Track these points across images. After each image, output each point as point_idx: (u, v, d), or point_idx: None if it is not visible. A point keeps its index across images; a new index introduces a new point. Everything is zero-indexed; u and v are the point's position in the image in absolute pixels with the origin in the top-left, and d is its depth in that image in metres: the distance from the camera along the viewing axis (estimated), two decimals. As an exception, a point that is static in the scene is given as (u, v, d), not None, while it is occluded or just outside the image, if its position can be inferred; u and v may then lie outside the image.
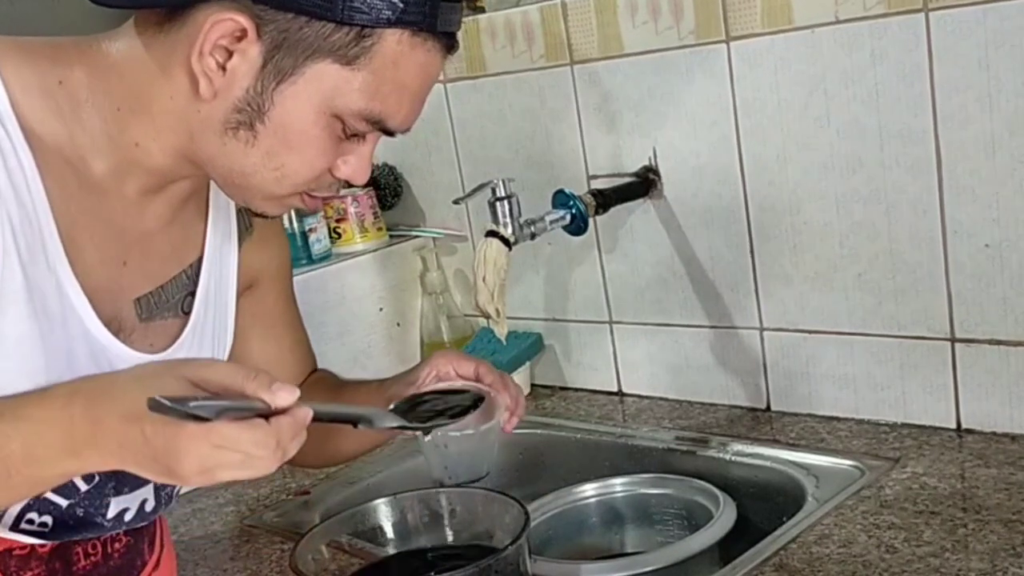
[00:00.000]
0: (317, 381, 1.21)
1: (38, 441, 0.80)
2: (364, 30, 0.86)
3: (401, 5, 0.85)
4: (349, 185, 0.98)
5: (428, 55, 0.89)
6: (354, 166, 0.94)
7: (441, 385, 1.10)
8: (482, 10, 1.70)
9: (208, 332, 1.04)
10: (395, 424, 1.00)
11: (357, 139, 0.92)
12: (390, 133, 0.93)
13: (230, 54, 0.86)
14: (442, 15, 0.88)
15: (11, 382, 0.85)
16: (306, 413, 0.82)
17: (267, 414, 0.80)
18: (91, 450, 0.80)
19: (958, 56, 1.26)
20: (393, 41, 0.87)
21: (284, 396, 0.80)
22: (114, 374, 0.86)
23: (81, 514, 0.94)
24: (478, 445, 1.08)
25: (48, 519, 0.93)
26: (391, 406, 1.05)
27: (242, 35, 0.85)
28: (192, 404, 0.76)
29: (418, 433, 1.08)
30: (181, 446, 0.77)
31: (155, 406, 0.75)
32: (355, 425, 0.96)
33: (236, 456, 0.78)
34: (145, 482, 1.02)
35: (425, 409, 1.05)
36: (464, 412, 1.04)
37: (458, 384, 1.11)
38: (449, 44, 0.91)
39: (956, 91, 1.27)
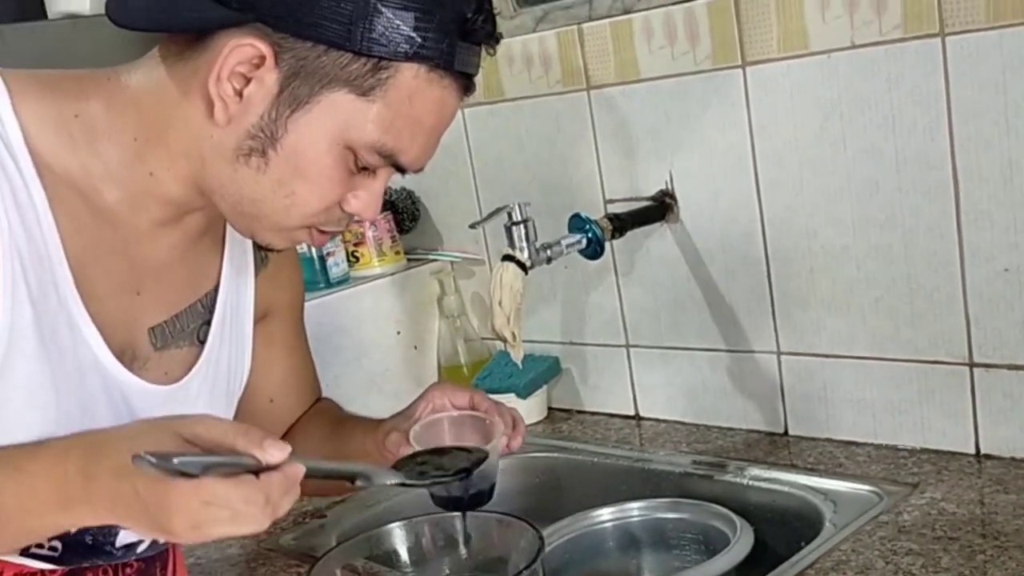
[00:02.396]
0: (319, 412, 1.21)
1: (31, 494, 0.81)
2: (381, 62, 0.86)
3: (419, 40, 0.86)
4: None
5: (443, 92, 0.90)
6: (364, 201, 0.93)
7: (444, 415, 1.10)
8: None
9: (223, 362, 1.05)
10: (394, 480, 0.98)
11: (369, 174, 0.92)
12: (402, 170, 0.93)
13: (247, 81, 0.87)
14: (460, 55, 0.89)
15: (22, 418, 0.86)
16: (297, 470, 0.81)
17: (257, 470, 0.79)
18: (83, 505, 0.81)
19: (975, 80, 1.25)
20: (409, 75, 0.87)
21: (275, 453, 0.80)
22: (108, 430, 0.86)
23: (90, 541, 0.95)
24: (480, 472, 1.05)
25: (57, 543, 0.93)
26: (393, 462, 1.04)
27: (260, 62, 0.86)
28: (177, 460, 0.76)
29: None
30: (171, 502, 0.77)
31: (139, 462, 0.75)
32: (352, 482, 0.94)
33: (225, 512, 0.78)
34: None
35: (425, 467, 1.03)
36: (466, 470, 1.02)
37: (454, 413, 1.10)
38: (466, 85, 0.92)
39: (973, 115, 1.27)
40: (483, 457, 1.04)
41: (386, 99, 0.87)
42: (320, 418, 1.20)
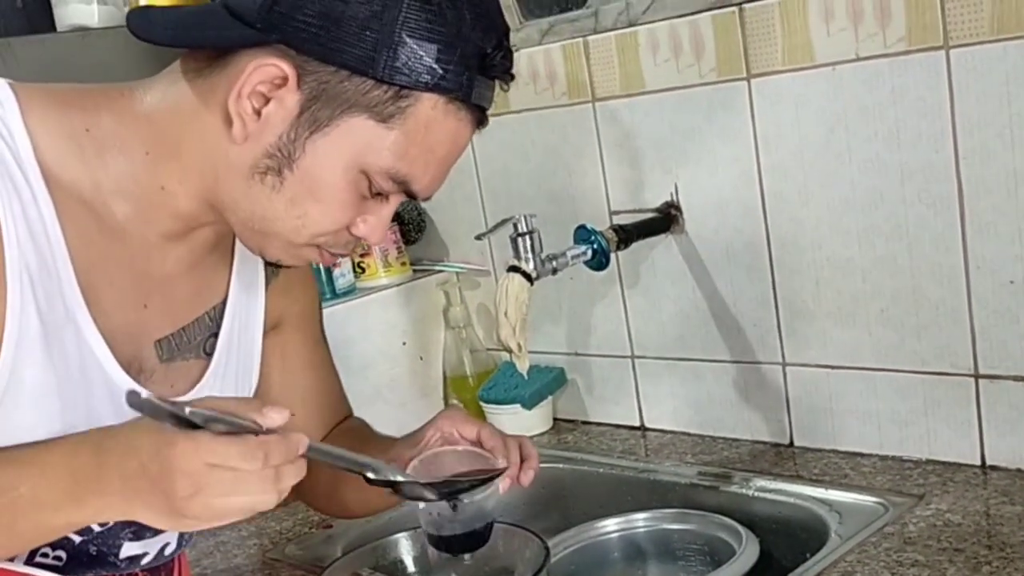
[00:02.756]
0: (345, 431, 1.21)
1: (44, 486, 0.82)
2: (402, 91, 0.88)
3: (440, 72, 0.88)
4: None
5: (459, 124, 0.92)
6: (372, 225, 0.95)
7: (447, 448, 1.09)
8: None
9: (231, 375, 1.05)
10: (403, 478, 0.99)
11: (380, 199, 0.94)
12: (413, 197, 0.95)
13: (267, 100, 0.88)
14: (477, 88, 0.91)
15: (29, 429, 0.87)
16: (299, 438, 0.82)
17: (258, 433, 0.80)
18: (95, 497, 0.81)
19: (979, 92, 1.26)
20: (428, 105, 0.89)
21: (274, 416, 0.81)
22: (117, 424, 0.86)
23: (94, 552, 0.95)
24: (474, 513, 1.05)
25: (62, 553, 0.94)
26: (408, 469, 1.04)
27: (282, 83, 0.87)
28: (188, 410, 0.76)
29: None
30: (174, 465, 0.78)
31: (134, 399, 0.76)
32: (364, 476, 0.94)
33: (227, 473, 0.78)
34: None
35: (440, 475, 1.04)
36: (480, 483, 1.02)
37: (459, 448, 1.09)
38: (480, 118, 0.94)
39: (977, 127, 1.27)
40: (498, 474, 1.04)
41: (404, 127, 0.89)
42: (344, 437, 1.19)
